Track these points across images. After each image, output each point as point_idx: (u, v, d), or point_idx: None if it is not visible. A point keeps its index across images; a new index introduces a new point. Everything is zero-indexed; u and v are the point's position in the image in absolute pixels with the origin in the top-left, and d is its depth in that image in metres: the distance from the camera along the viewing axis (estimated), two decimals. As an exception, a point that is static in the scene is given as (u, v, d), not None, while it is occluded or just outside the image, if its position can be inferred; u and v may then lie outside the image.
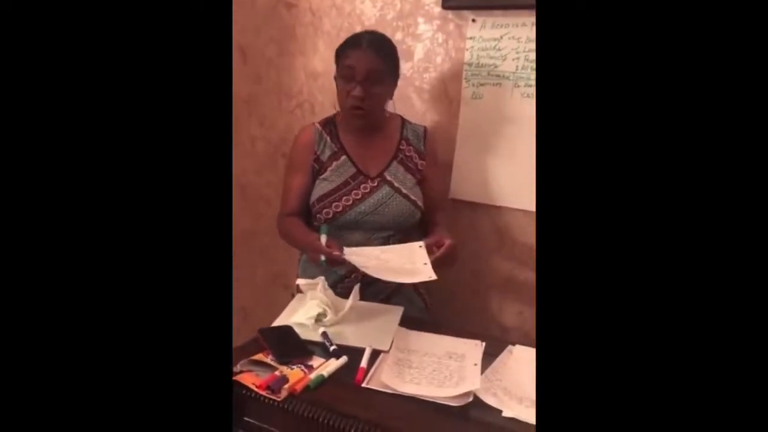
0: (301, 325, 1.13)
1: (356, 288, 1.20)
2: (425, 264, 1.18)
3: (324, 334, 1.09)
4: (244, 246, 1.94)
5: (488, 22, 1.46)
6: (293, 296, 1.43)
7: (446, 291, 1.61)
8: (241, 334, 1.54)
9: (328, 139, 1.38)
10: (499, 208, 1.54)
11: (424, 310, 1.42)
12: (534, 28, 1.40)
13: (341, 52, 1.33)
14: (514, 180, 1.49)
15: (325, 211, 1.32)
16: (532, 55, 1.42)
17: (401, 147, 1.39)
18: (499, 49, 1.46)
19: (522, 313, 1.55)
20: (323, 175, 1.35)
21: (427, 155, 1.40)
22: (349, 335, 1.11)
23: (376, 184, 1.33)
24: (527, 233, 1.51)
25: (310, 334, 1.11)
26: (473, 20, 1.47)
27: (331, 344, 1.05)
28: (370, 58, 1.27)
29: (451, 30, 1.52)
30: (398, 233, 1.34)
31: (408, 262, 1.20)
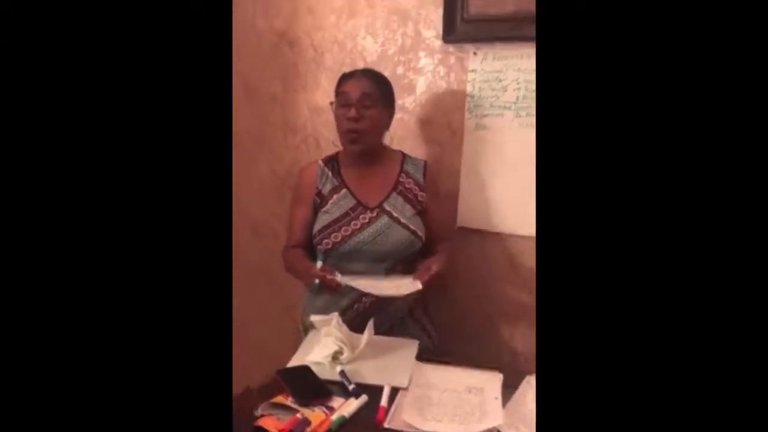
0: (318, 364, 1.13)
1: (370, 323, 1.20)
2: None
3: (342, 372, 1.09)
4: (254, 280, 1.95)
5: (489, 54, 1.49)
6: (304, 332, 1.44)
7: (455, 319, 1.62)
8: (254, 370, 1.54)
9: (330, 174, 1.43)
10: (507, 235, 1.55)
11: (428, 340, 1.43)
12: (534, 59, 1.43)
13: (338, 84, 1.41)
14: (520, 207, 1.51)
15: (325, 241, 1.35)
16: (533, 85, 1.44)
17: (401, 179, 1.42)
18: (501, 81, 1.48)
19: (531, 337, 1.55)
20: (324, 208, 1.40)
21: (428, 187, 1.43)
22: (367, 372, 1.11)
23: (375, 214, 1.36)
24: (534, 259, 1.52)
25: (328, 372, 1.11)
26: (474, 53, 1.51)
27: (350, 383, 1.05)
28: (363, 83, 1.36)
29: (453, 63, 1.55)
30: (399, 263, 1.36)
31: (398, 286, 1.24)
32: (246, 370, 1.92)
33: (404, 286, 1.24)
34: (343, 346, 1.15)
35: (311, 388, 1.03)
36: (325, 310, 1.39)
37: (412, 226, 1.37)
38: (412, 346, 1.23)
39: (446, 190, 1.57)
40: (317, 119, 1.77)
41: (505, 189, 1.53)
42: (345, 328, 1.22)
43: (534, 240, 1.51)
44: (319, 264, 1.29)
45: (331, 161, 1.46)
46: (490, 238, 1.57)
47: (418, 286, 1.22)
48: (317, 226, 1.39)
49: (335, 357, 1.14)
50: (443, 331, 1.50)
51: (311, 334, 1.28)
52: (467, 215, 1.58)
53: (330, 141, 1.74)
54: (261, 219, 1.92)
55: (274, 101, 1.82)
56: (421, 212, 1.41)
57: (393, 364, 1.16)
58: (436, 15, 1.54)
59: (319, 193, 1.42)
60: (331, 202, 1.40)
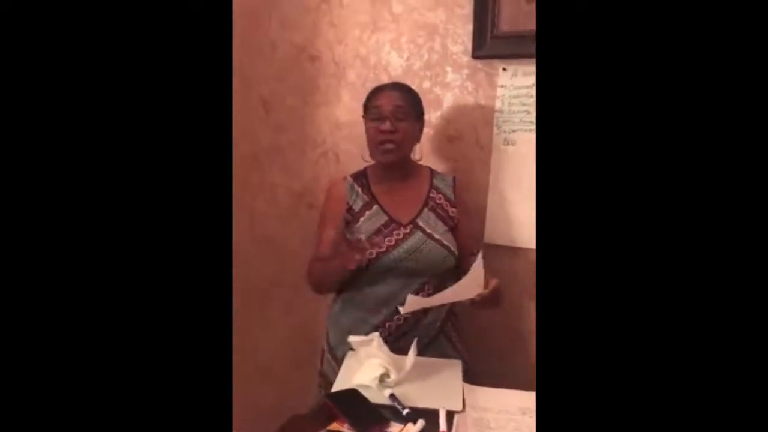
0: (364, 387, 1.09)
1: (414, 344, 1.17)
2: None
3: (392, 396, 1.05)
4: (267, 298, 1.89)
5: (519, 70, 1.49)
6: (331, 352, 1.40)
7: (483, 336, 1.60)
8: (265, 393, 1.49)
9: (360, 190, 1.41)
10: (534, 250, 1.53)
11: (460, 359, 1.40)
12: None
13: (369, 99, 1.40)
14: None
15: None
16: (565, 102, 1.44)
17: (431, 195, 1.40)
18: (532, 96, 1.48)
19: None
20: (356, 225, 1.37)
21: (458, 203, 1.42)
22: (416, 395, 1.08)
23: (408, 230, 1.34)
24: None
25: (376, 396, 1.07)
26: (504, 69, 1.50)
27: (404, 407, 1.01)
28: (396, 96, 1.36)
29: (481, 79, 1.54)
30: (433, 279, 1.33)
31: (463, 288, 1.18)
32: (255, 391, 1.88)
33: (468, 285, 1.16)
34: (389, 368, 1.12)
35: (367, 413, 0.99)
36: (353, 328, 1.36)
37: (445, 242, 1.34)
38: (456, 367, 1.20)
39: (474, 205, 1.55)
40: (338, 134, 1.75)
41: (533, 205, 1.51)
42: (386, 348, 1.18)
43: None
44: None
45: (360, 177, 1.44)
46: (517, 254, 1.56)
47: (480, 286, 1.16)
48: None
49: (381, 379, 1.11)
50: (472, 349, 1.47)
51: (350, 356, 1.23)
52: (494, 231, 1.57)
53: (351, 155, 1.72)
54: (274, 234, 1.87)
55: (292, 115, 1.79)
56: (453, 228, 1.39)
57: (441, 385, 1.12)
58: (464, 30, 1.54)
59: (350, 210, 1.39)
60: (363, 218, 1.37)
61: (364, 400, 1.04)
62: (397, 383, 1.11)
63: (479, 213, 1.56)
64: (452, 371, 1.18)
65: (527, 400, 1.07)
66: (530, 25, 1.45)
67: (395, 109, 1.34)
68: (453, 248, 1.36)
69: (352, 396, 1.05)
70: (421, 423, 0.97)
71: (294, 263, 1.77)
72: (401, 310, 1.17)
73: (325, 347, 1.47)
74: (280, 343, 1.93)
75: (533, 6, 1.44)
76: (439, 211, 1.39)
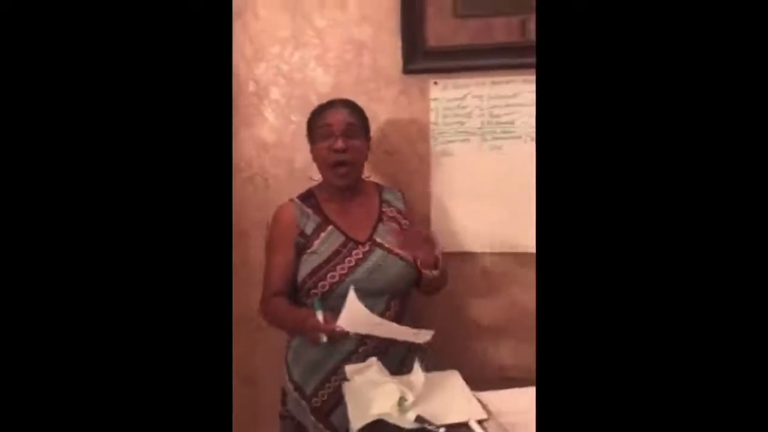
0: (386, 415, 1.06)
1: (417, 362, 1.17)
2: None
3: (420, 418, 1.03)
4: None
5: (450, 83, 1.55)
6: (297, 390, 1.34)
7: (442, 341, 1.63)
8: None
9: (311, 212, 1.36)
10: (481, 253, 1.62)
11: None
12: (494, 86, 1.54)
13: (315, 116, 1.36)
14: (492, 226, 1.59)
15: (321, 284, 1.28)
16: (496, 111, 1.55)
17: (383, 209, 1.41)
18: (464, 108, 1.56)
19: (517, 349, 1.64)
20: (311, 249, 1.32)
21: (410, 214, 1.44)
22: (437, 412, 1.07)
23: (367, 248, 1.32)
24: (510, 273, 1.61)
25: (400, 421, 1.04)
26: (435, 83, 1.56)
27: (438, 426, 1.01)
28: (346, 113, 1.34)
29: (414, 93, 1.58)
30: (396, 296, 1.33)
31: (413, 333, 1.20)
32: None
33: (420, 334, 1.19)
34: (405, 390, 1.10)
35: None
36: (321, 360, 1.31)
37: (405, 256, 1.35)
38: (455, 376, 1.22)
39: (418, 216, 1.58)
40: (265, 155, 1.65)
41: (476, 210, 1.60)
42: (386, 371, 1.16)
43: (505, 256, 1.61)
44: (320, 314, 1.18)
45: (308, 198, 1.39)
46: (464, 258, 1.63)
47: (428, 335, 1.19)
48: (305, 269, 1.30)
49: (400, 404, 1.08)
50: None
51: (349, 387, 1.18)
52: (441, 239, 1.61)
53: (280, 179, 1.65)
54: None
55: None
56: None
57: (454, 398, 1.13)
58: (392, 45, 1.56)
59: (302, 234, 1.33)
60: (317, 241, 1.32)
61: (399, 429, 1.01)
62: (414, 404, 1.09)
63: (424, 223, 1.60)
64: (454, 381, 1.20)
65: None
66: (457, 40, 1.53)
67: (347, 127, 1.31)
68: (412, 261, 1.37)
69: (384, 429, 1.01)
70: (462, 438, 0.98)
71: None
72: (342, 324, 1.14)
73: (288, 386, 1.39)
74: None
75: (459, 21, 1.52)
76: (393, 225, 1.38)
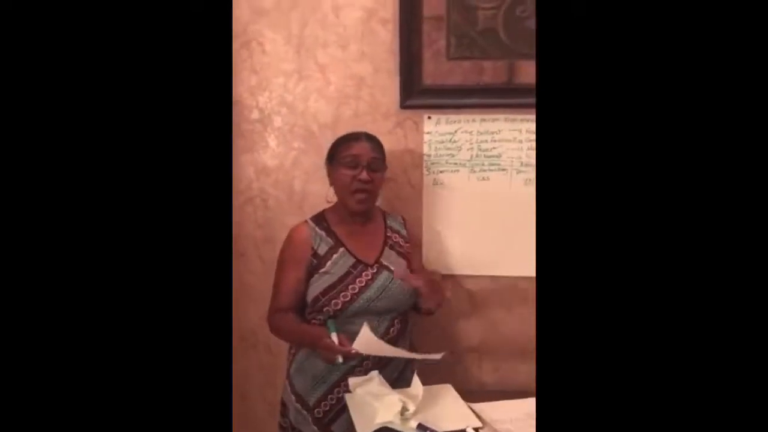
0: (390, 423, 1.15)
1: (415, 374, 1.26)
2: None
3: (421, 425, 1.13)
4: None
5: (442, 119, 1.68)
6: (300, 402, 1.40)
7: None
8: None
9: (323, 234, 1.44)
10: (467, 276, 1.74)
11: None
12: (482, 122, 1.68)
13: (340, 145, 1.45)
14: (478, 250, 1.71)
15: (333, 302, 1.36)
16: (484, 145, 1.68)
17: (389, 235, 1.52)
18: (455, 141, 1.69)
19: (498, 369, 1.75)
20: (323, 269, 1.40)
21: (410, 239, 1.56)
22: (434, 421, 1.17)
23: (375, 270, 1.42)
24: (494, 296, 1.73)
25: (404, 429, 1.13)
26: (429, 117, 1.69)
27: (438, 432, 1.10)
28: (371, 148, 1.44)
29: (409, 126, 1.70)
30: (400, 314, 1.44)
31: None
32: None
33: (429, 358, 1.30)
34: (407, 401, 1.19)
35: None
36: (328, 374, 1.38)
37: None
38: (449, 389, 1.32)
39: (414, 235, 1.68)
40: (265, 180, 1.74)
41: (464, 235, 1.72)
42: (386, 383, 1.25)
43: (492, 279, 1.73)
44: (335, 336, 1.27)
45: (320, 221, 1.47)
46: (451, 281, 1.74)
47: (438, 357, 1.29)
48: (318, 288, 1.38)
49: (402, 413, 1.17)
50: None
51: (352, 398, 1.26)
52: (431, 261, 1.73)
53: (280, 201, 1.74)
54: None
55: (212, 162, 1.72)
56: (409, 263, 1.51)
57: (449, 408, 1.23)
58: (390, 83, 1.68)
59: (315, 254, 1.41)
60: (330, 262, 1.41)
61: (403, 435, 1.10)
62: (415, 413, 1.18)
63: (419, 247, 1.70)
64: (449, 394, 1.30)
65: (528, 406, 1.24)
66: (450, 80, 1.67)
67: (372, 160, 1.42)
68: None
69: (392, 435, 1.10)
70: (461, 443, 1.07)
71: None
72: (355, 345, 1.23)
73: (290, 398, 1.45)
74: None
75: (452, 63, 1.66)
76: (398, 249, 1.50)
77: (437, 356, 1.29)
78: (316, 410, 1.41)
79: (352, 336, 1.24)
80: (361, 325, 1.31)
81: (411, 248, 1.54)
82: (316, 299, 1.38)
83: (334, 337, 1.27)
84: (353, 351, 1.23)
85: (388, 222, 1.54)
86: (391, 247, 1.49)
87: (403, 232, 1.54)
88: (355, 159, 1.41)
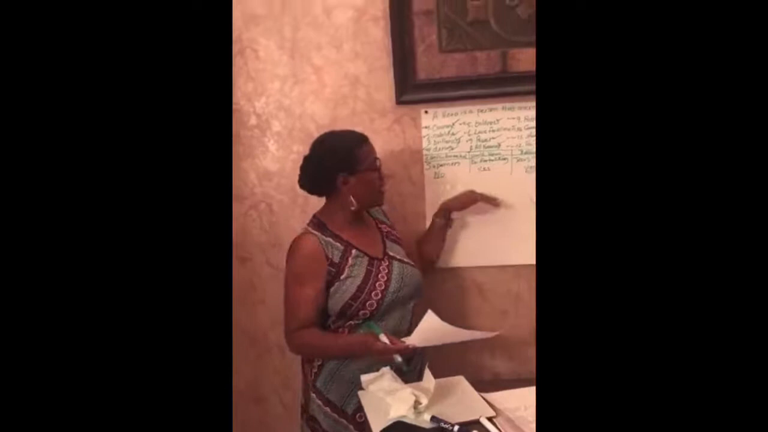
0: (404, 418, 1.16)
1: (427, 368, 1.27)
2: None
3: (435, 418, 1.14)
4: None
5: (439, 112, 1.69)
6: (329, 403, 1.40)
7: (442, 350, 1.74)
8: None
9: (331, 240, 1.42)
10: (474, 268, 1.74)
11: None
12: (480, 113, 1.68)
13: (356, 149, 1.42)
14: (484, 242, 1.72)
15: (368, 303, 1.36)
16: (483, 135, 1.69)
17: (380, 227, 1.53)
18: (453, 134, 1.69)
19: (512, 358, 1.76)
20: (344, 275, 1.38)
21: (395, 225, 1.60)
22: (448, 413, 1.17)
23: (387, 262, 1.44)
24: (503, 285, 1.74)
25: (417, 422, 1.14)
26: (425, 111, 1.69)
27: (453, 424, 1.11)
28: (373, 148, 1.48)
29: (406, 122, 1.70)
30: (416, 299, 1.47)
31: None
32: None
33: (487, 333, 1.36)
34: (419, 395, 1.19)
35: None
36: (366, 370, 1.35)
37: (412, 263, 1.50)
38: (461, 381, 1.33)
39: (412, 234, 1.69)
40: (268, 184, 1.75)
41: (469, 226, 1.72)
42: (398, 378, 1.26)
43: (499, 269, 1.73)
44: (383, 336, 1.26)
45: (322, 228, 1.44)
46: (459, 273, 1.74)
47: (493, 334, 1.34)
48: (346, 295, 1.36)
49: (415, 407, 1.18)
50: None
51: (365, 395, 1.27)
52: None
53: (284, 204, 1.75)
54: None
55: (214, 171, 1.74)
56: (407, 249, 1.55)
57: (463, 398, 1.24)
58: (385, 80, 1.68)
59: (332, 263, 1.38)
60: (348, 266, 1.39)
61: (418, 428, 1.10)
62: (429, 406, 1.19)
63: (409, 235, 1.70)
64: (461, 385, 1.31)
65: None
66: (444, 72, 1.67)
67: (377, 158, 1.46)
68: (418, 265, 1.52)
69: (403, 429, 1.11)
70: (476, 433, 1.08)
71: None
72: (414, 341, 1.25)
73: (323, 410, 1.42)
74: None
75: (445, 56, 1.66)
76: (393, 238, 1.52)
77: (492, 334, 1.33)
78: (357, 415, 1.38)
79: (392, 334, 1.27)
80: (392, 319, 1.36)
81: (399, 233, 1.57)
82: (347, 306, 1.36)
83: (384, 338, 1.25)
84: (411, 346, 1.24)
85: (373, 216, 1.55)
86: (388, 237, 1.51)
87: (388, 221, 1.58)
88: (376, 161, 1.44)
